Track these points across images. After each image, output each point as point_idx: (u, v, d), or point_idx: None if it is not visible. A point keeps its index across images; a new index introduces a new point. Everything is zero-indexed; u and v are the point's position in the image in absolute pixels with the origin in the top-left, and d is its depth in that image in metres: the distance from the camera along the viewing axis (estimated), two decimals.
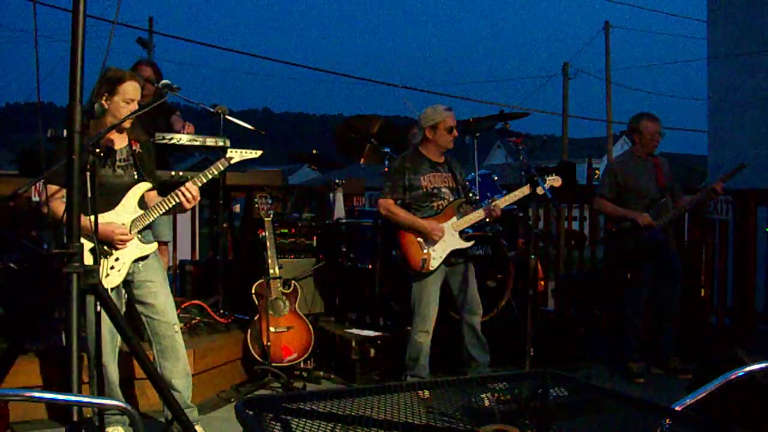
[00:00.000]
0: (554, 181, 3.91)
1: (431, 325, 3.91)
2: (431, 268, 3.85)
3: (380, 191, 4.17)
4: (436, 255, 3.86)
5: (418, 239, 3.88)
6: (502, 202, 3.89)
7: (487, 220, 3.93)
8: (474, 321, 3.97)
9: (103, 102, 2.98)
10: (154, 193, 3.24)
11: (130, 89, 3.03)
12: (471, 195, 4.09)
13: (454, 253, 3.92)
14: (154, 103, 3.26)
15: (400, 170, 3.96)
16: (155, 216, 3.10)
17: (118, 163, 3.09)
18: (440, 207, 3.94)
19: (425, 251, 3.85)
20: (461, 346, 4.09)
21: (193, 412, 3.27)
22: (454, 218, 3.91)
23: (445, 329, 4.15)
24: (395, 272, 4.93)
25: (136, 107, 3.06)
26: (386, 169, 4.94)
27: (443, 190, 3.98)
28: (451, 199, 3.96)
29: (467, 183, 4.14)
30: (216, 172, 3.22)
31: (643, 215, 4.38)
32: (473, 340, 3.99)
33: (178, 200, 3.06)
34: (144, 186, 3.14)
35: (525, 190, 3.87)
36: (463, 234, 3.92)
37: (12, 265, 3.71)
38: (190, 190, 3.06)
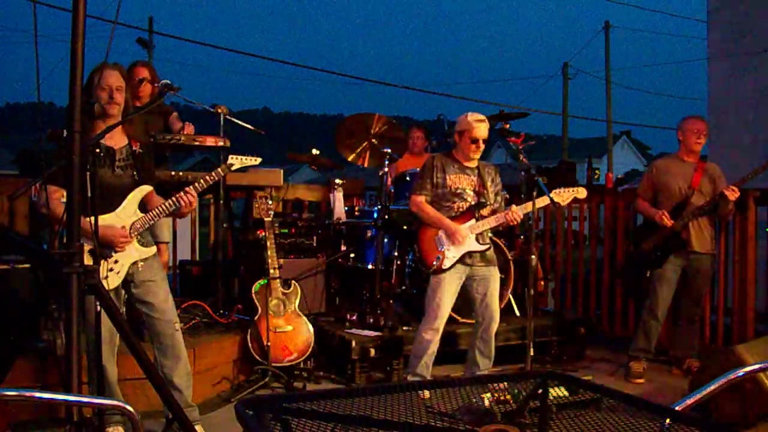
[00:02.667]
0: (578, 193, 4.00)
1: (441, 324, 3.90)
2: (444, 267, 3.87)
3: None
4: (450, 255, 3.88)
5: (436, 237, 3.90)
6: (522, 209, 3.90)
7: (512, 224, 3.95)
8: (490, 327, 3.96)
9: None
10: (154, 193, 3.23)
11: (105, 75, 2.97)
12: (496, 201, 4.07)
13: (473, 257, 3.93)
14: (153, 102, 3.26)
15: (429, 168, 4.02)
16: (155, 219, 3.10)
17: (117, 163, 3.07)
18: (460, 208, 3.96)
19: (440, 249, 3.89)
20: (469, 347, 4.09)
21: (194, 412, 3.26)
22: (473, 221, 3.92)
23: (445, 329, 4.14)
24: (395, 273, 4.95)
25: (122, 95, 3.03)
26: (386, 168, 4.95)
27: (468, 191, 3.99)
28: (473, 202, 3.98)
29: (501, 191, 4.16)
30: (216, 178, 3.23)
31: (659, 212, 4.37)
32: (482, 346, 3.99)
33: (177, 204, 3.07)
34: (145, 189, 3.13)
35: (541, 202, 3.90)
36: (480, 237, 3.93)
37: (12, 265, 3.70)
38: (187, 196, 3.07)
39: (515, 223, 3.91)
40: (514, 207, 3.91)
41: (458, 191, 3.97)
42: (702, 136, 4.48)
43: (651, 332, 4.51)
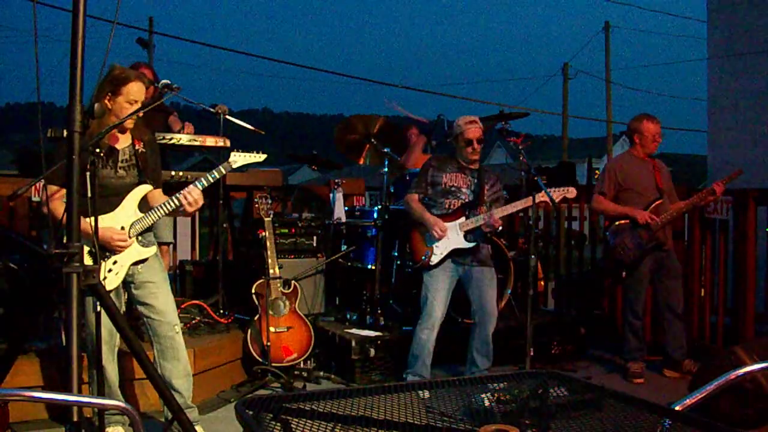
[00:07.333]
0: (568, 192, 3.97)
1: (436, 322, 3.93)
2: (431, 263, 3.95)
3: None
4: (438, 251, 3.96)
5: (424, 234, 3.99)
6: (500, 211, 3.93)
7: (486, 229, 3.96)
8: (486, 328, 3.97)
9: (107, 102, 2.97)
10: (159, 192, 3.21)
11: (135, 90, 3.00)
12: (494, 205, 4.06)
13: (465, 257, 3.96)
14: (153, 103, 3.25)
15: (426, 168, 4.14)
16: (155, 219, 3.08)
17: (120, 164, 3.07)
18: (451, 206, 4.01)
19: (428, 246, 3.97)
20: (467, 347, 4.09)
21: (193, 413, 3.26)
22: (462, 218, 3.98)
23: (446, 329, 4.14)
24: (395, 273, 4.95)
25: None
26: (386, 168, 4.96)
27: (463, 190, 4.05)
28: (466, 201, 4.00)
29: (502, 194, 4.18)
30: (218, 176, 3.18)
31: (642, 212, 4.37)
32: (480, 346, 4.00)
33: (178, 203, 3.05)
34: (144, 188, 3.12)
35: (528, 202, 3.91)
36: (468, 235, 3.94)
37: (12, 265, 3.70)
38: (192, 194, 3.02)
39: (495, 224, 3.88)
40: (492, 210, 3.92)
41: (453, 189, 4.04)
42: (659, 138, 4.56)
43: (638, 331, 4.54)
